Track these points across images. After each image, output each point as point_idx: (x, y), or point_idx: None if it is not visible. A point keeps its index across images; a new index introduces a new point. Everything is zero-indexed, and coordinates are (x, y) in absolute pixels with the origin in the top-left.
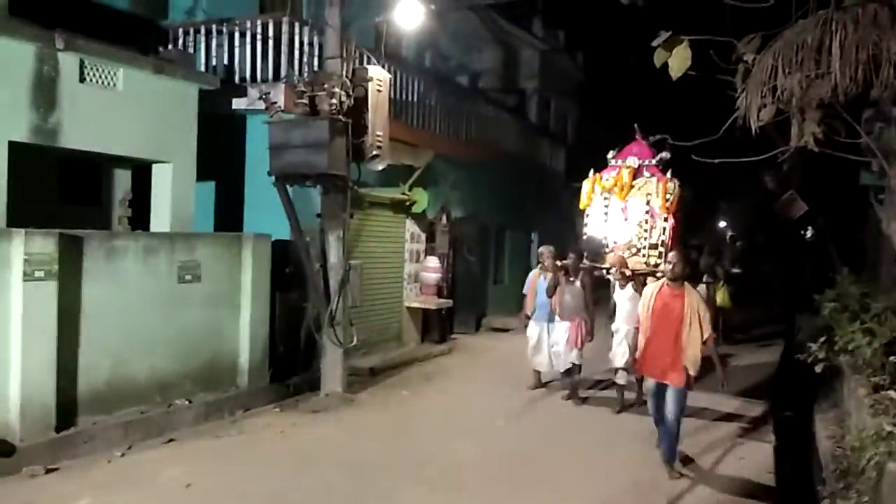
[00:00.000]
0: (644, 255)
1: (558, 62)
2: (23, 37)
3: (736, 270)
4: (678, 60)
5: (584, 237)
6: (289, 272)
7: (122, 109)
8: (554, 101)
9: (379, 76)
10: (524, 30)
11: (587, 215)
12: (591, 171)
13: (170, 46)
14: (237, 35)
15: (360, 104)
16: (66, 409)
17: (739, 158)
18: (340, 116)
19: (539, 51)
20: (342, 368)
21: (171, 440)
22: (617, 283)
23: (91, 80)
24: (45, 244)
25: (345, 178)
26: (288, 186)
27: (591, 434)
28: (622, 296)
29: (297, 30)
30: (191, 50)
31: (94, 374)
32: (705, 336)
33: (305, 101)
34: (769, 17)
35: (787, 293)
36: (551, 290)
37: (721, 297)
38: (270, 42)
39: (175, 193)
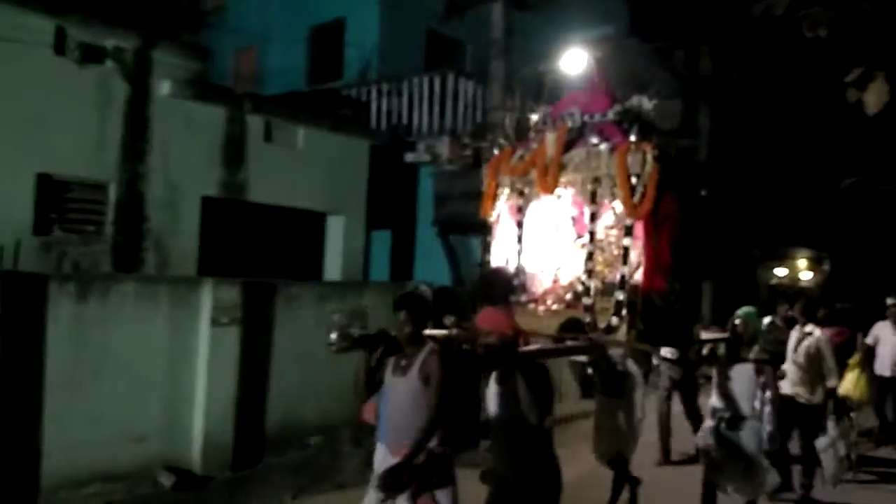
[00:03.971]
0: (587, 307)
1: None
2: (216, 101)
3: None
4: (875, 96)
5: (483, 270)
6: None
7: (301, 165)
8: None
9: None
10: (692, 70)
11: (493, 230)
12: (497, 146)
13: (344, 105)
14: (406, 91)
15: None
16: (243, 449)
17: None
18: None
19: (708, 88)
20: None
21: (339, 486)
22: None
23: (274, 140)
24: (231, 292)
25: None
26: (451, 236)
27: None
28: (495, 396)
29: (461, 84)
30: (362, 105)
31: (270, 417)
32: None
33: (469, 152)
34: None
35: None
36: (360, 390)
37: (857, 384)
38: (437, 96)
39: (346, 243)
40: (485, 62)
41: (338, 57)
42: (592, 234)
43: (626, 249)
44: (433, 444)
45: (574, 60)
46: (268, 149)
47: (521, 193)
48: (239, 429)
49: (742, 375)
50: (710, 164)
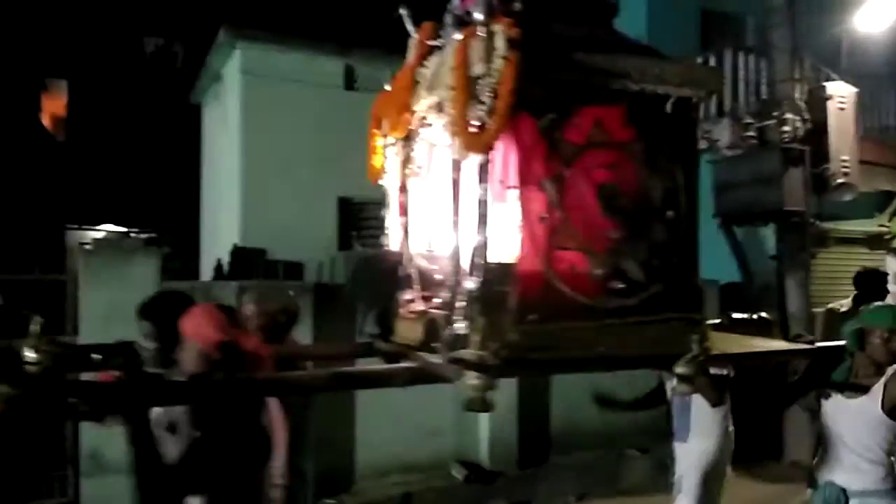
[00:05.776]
0: (444, 305)
1: None
2: None
3: None
4: None
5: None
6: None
7: None
8: None
9: (841, 93)
10: None
11: (386, 200)
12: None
13: None
14: None
15: (819, 128)
16: (528, 447)
17: None
18: (795, 144)
19: None
20: (811, 435)
21: (622, 492)
22: None
23: None
24: None
25: (803, 214)
26: (735, 227)
27: None
28: None
29: (740, 60)
30: None
31: (553, 419)
32: None
33: (753, 133)
34: None
35: None
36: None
37: None
38: None
39: None
40: (767, 33)
41: None
42: (455, 186)
43: (483, 206)
44: None
45: (876, 14)
46: None
47: (406, 140)
48: (523, 428)
49: (861, 416)
50: None
